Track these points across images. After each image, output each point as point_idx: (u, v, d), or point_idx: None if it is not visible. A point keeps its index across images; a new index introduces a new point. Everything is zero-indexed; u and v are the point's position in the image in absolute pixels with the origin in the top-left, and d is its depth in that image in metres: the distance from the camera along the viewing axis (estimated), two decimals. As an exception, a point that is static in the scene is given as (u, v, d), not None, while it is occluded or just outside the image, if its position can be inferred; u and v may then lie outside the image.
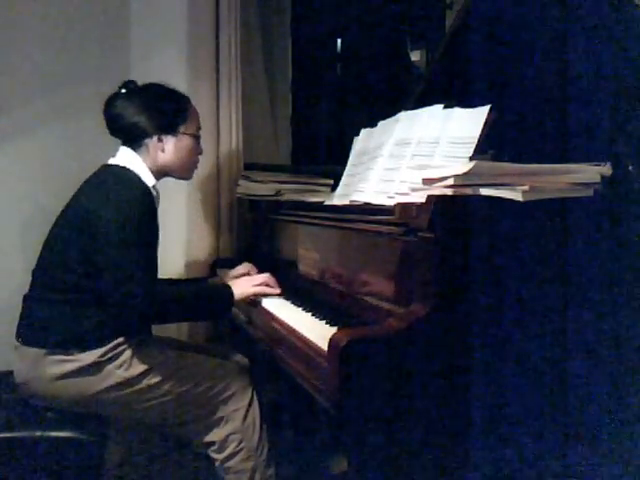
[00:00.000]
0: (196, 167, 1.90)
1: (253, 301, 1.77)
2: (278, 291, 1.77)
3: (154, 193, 1.74)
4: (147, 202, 1.64)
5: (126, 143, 1.77)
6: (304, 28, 3.03)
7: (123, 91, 1.76)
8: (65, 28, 2.32)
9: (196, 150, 1.85)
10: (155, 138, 1.75)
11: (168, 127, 1.76)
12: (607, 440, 1.33)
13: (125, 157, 1.75)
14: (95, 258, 1.58)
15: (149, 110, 1.74)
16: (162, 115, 1.75)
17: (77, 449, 1.58)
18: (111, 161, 1.76)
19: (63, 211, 1.72)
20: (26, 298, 1.72)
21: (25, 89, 2.20)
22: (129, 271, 1.54)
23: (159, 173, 1.79)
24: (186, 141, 1.80)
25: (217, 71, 2.46)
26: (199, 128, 1.86)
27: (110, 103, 1.76)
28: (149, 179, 1.74)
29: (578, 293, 1.31)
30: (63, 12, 2.31)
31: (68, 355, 1.60)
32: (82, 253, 1.61)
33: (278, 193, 2.28)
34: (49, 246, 1.71)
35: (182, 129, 1.79)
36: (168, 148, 1.77)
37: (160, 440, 2.04)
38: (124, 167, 1.72)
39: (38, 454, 1.56)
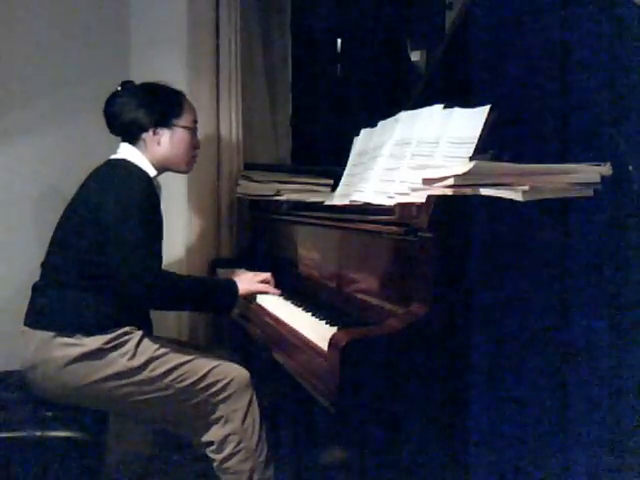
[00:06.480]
0: (194, 161, 1.95)
1: (249, 297, 1.79)
2: (278, 292, 1.81)
3: (156, 184, 1.80)
4: (149, 188, 1.71)
5: (125, 139, 1.83)
6: (304, 28, 3.02)
7: (119, 89, 1.84)
8: (65, 28, 2.32)
9: (192, 143, 1.90)
10: (151, 131, 1.82)
11: (162, 120, 1.82)
12: (606, 440, 1.33)
13: (126, 152, 1.81)
14: (104, 244, 1.63)
15: (145, 105, 1.81)
16: (156, 109, 1.82)
17: (77, 449, 1.57)
18: (113, 157, 1.82)
19: (70, 204, 1.77)
20: (35, 287, 1.75)
21: (25, 89, 2.20)
22: (135, 253, 1.59)
23: (159, 167, 1.84)
24: (180, 134, 1.85)
25: (217, 71, 2.46)
26: (195, 121, 1.91)
27: (110, 102, 1.83)
28: (150, 171, 1.80)
29: (578, 293, 1.31)
30: (63, 12, 2.31)
31: (73, 339, 1.62)
32: (91, 242, 1.66)
33: (278, 193, 2.28)
34: (59, 236, 1.76)
35: (175, 122, 1.84)
36: (164, 141, 1.83)
37: (160, 440, 2.04)
38: (125, 159, 1.79)
39: (38, 454, 1.56)
